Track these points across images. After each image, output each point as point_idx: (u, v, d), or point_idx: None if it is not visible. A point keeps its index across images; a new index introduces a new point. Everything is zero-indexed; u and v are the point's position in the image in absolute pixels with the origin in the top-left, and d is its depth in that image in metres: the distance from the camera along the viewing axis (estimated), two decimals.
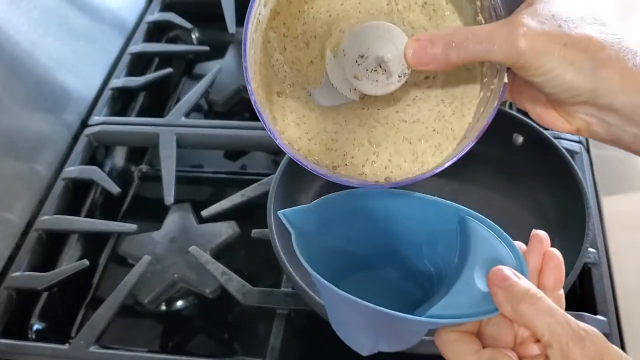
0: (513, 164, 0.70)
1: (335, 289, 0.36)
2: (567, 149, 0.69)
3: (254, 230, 0.69)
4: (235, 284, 0.65)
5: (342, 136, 0.44)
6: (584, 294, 0.63)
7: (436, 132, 0.44)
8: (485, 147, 0.70)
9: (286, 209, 0.41)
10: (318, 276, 0.37)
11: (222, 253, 0.71)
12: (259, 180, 0.74)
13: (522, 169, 0.70)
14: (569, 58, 0.36)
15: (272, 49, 0.43)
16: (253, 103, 0.39)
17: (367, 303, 0.35)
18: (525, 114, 0.68)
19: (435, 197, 0.43)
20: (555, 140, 0.66)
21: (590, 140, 0.76)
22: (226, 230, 0.72)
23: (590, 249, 0.64)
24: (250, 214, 0.73)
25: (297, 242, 0.39)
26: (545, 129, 0.63)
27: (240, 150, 0.85)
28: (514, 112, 0.69)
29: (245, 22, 0.38)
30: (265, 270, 0.69)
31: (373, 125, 0.45)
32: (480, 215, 0.40)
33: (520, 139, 0.69)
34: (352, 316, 0.39)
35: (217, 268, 0.66)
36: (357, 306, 0.36)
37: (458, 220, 0.41)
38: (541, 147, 0.67)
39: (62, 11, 0.83)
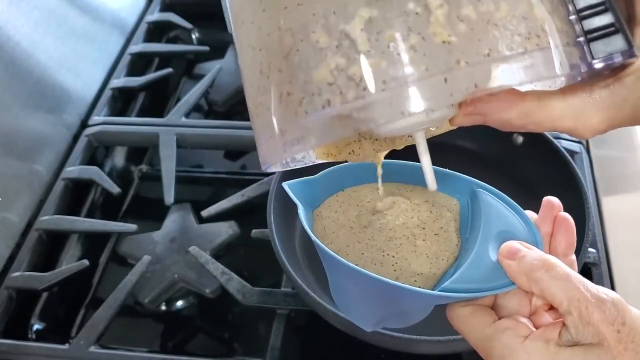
0: (513, 164, 0.70)
1: (342, 259, 0.35)
2: (567, 149, 0.69)
3: (254, 230, 0.69)
4: (235, 284, 0.65)
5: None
6: None
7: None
8: (485, 147, 0.71)
9: (291, 181, 0.40)
10: (323, 246, 0.36)
11: (222, 253, 0.71)
12: (259, 180, 0.74)
13: (522, 169, 0.70)
14: None
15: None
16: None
17: (380, 277, 0.34)
18: None
19: (446, 169, 0.41)
20: (555, 140, 0.66)
21: (590, 140, 0.76)
22: (226, 230, 0.72)
23: (590, 249, 0.63)
24: (250, 214, 0.73)
25: (303, 214, 0.38)
26: None
27: (240, 150, 0.85)
28: None
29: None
30: (265, 270, 0.69)
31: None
32: (491, 187, 0.39)
33: (520, 139, 0.69)
34: (358, 289, 0.38)
35: (217, 268, 0.66)
36: (367, 279, 0.34)
37: (469, 193, 0.40)
38: (541, 147, 0.67)
39: (62, 11, 0.83)
